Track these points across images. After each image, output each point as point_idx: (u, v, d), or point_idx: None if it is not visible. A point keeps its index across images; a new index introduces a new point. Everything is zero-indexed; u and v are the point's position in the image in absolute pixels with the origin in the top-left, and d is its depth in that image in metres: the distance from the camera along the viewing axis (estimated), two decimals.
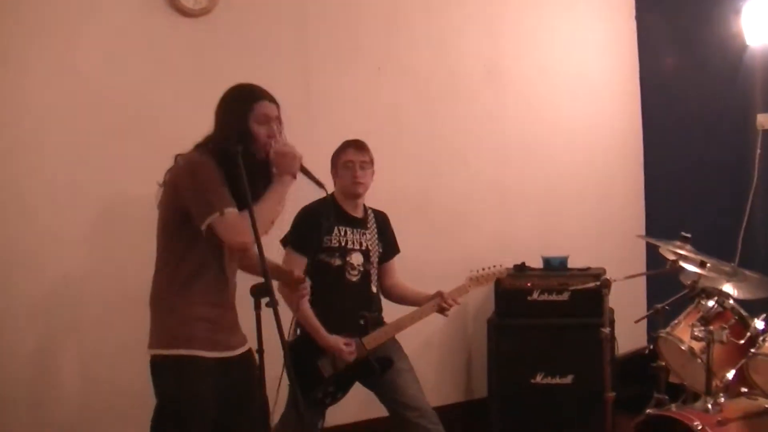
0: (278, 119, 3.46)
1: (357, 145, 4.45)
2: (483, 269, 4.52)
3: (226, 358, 3.38)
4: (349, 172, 4.40)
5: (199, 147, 3.38)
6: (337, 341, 4.25)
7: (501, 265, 4.59)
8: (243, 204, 3.19)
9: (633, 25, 6.60)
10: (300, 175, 3.46)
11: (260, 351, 3.31)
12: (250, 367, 3.47)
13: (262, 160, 3.40)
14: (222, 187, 3.23)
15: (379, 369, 4.31)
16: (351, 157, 4.41)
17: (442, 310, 4.43)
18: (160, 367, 3.33)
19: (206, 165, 3.27)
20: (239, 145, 3.24)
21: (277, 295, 3.23)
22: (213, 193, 3.21)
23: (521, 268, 5.73)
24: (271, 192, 3.34)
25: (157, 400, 3.34)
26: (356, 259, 4.41)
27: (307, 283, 3.81)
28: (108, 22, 4.87)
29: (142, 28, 4.96)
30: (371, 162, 4.48)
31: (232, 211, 3.19)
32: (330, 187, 3.45)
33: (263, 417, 3.46)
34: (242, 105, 3.40)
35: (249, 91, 3.48)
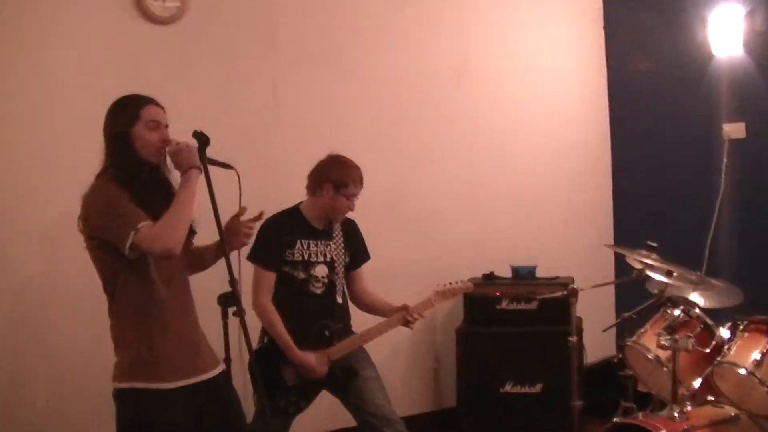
0: (166, 125, 3.35)
1: (362, 180, 4.39)
2: (450, 283, 4.51)
3: (192, 385, 3.30)
4: (346, 204, 4.36)
5: (98, 176, 3.29)
6: (309, 358, 4.23)
7: (468, 281, 4.61)
8: (156, 211, 3.16)
9: (601, 33, 6.63)
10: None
11: (227, 360, 3.30)
12: (226, 390, 3.42)
13: (155, 167, 3.32)
14: (128, 205, 3.15)
15: (344, 379, 4.29)
16: (356, 192, 4.37)
17: (407, 323, 4.41)
18: (119, 400, 3.26)
19: (104, 191, 3.21)
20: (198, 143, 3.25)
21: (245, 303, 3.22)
22: (120, 215, 3.12)
23: (490, 277, 5.76)
24: (181, 190, 3.23)
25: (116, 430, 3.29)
26: (320, 271, 4.39)
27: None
28: (77, 29, 4.87)
29: (111, 34, 4.96)
30: None
31: (144, 224, 3.10)
32: (234, 178, 3.35)
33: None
34: (128, 112, 3.30)
35: (133, 99, 3.36)
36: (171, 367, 3.24)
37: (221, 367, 3.44)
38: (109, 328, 3.32)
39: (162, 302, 3.26)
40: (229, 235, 3.45)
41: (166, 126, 3.34)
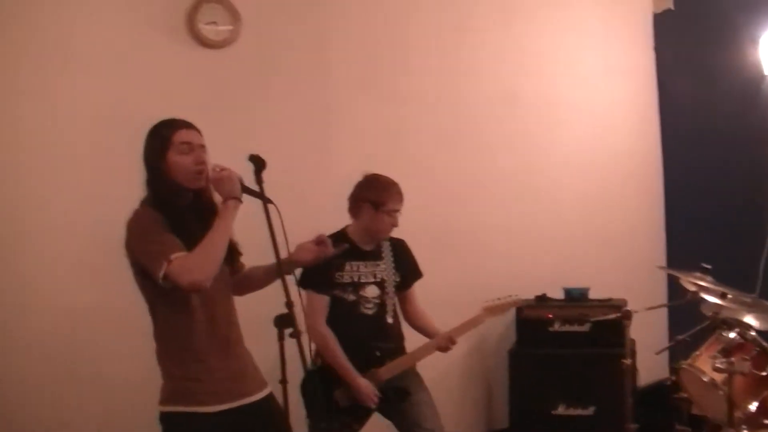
0: (202, 146, 3.28)
1: (401, 194, 4.39)
2: (498, 299, 4.50)
3: (235, 408, 3.27)
4: (390, 220, 4.37)
5: (142, 202, 3.27)
6: (368, 388, 4.25)
7: (516, 295, 4.58)
8: (196, 239, 3.11)
9: (652, 55, 6.61)
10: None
11: (283, 382, 3.30)
12: (272, 413, 3.40)
13: (198, 190, 3.29)
14: (162, 234, 3.11)
15: (395, 399, 4.30)
16: (398, 207, 4.38)
17: (440, 349, 4.40)
18: (163, 423, 3.26)
19: (144, 217, 3.19)
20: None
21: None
22: (154, 244, 3.09)
23: (542, 299, 5.75)
24: (217, 221, 3.16)
25: None
26: (371, 292, 4.41)
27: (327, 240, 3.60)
28: (129, 52, 4.95)
29: (164, 58, 5.05)
30: None
31: (177, 255, 3.05)
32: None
33: None
34: (160, 139, 3.24)
35: (163, 124, 3.30)
36: (212, 392, 3.23)
37: (267, 390, 3.43)
38: (155, 350, 3.33)
39: (201, 331, 3.24)
40: (302, 249, 3.51)
41: (202, 146, 3.28)
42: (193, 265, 3.05)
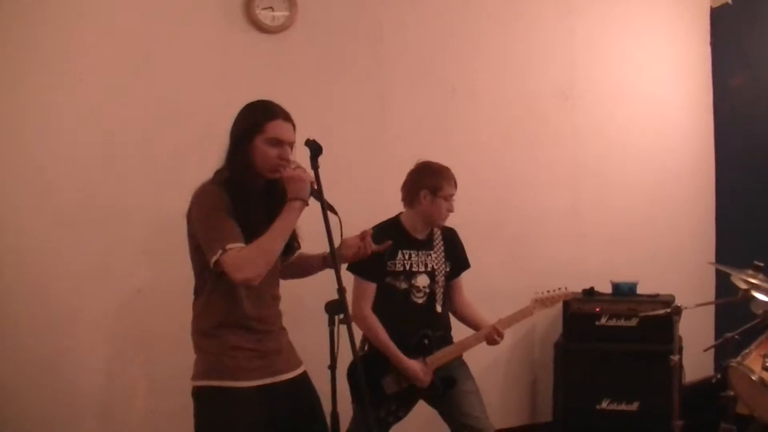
0: (291, 142, 3.28)
1: (455, 179, 4.39)
2: (548, 291, 4.49)
3: (268, 385, 3.30)
4: (446, 204, 4.37)
5: (216, 173, 3.28)
6: (416, 367, 4.27)
7: (566, 288, 4.56)
8: (256, 229, 3.11)
9: (707, 50, 6.55)
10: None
11: (333, 367, 3.31)
12: (305, 391, 3.43)
13: (274, 180, 3.27)
14: (225, 220, 3.10)
15: (442, 388, 4.32)
16: (453, 192, 4.38)
17: (488, 341, 4.40)
18: (197, 398, 3.29)
19: (211, 196, 3.17)
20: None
21: None
22: (215, 229, 3.09)
23: (590, 293, 5.71)
24: (278, 220, 3.12)
25: (194, 429, 3.31)
26: (422, 281, 4.42)
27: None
28: (187, 36, 5.00)
29: (221, 42, 5.09)
30: None
31: (233, 247, 3.04)
32: (346, 212, 3.28)
33: None
34: (254, 122, 3.24)
35: (264, 108, 3.29)
36: (247, 368, 3.26)
37: (301, 368, 3.47)
38: (191, 322, 3.36)
39: (243, 308, 3.27)
40: (344, 247, 3.50)
41: (291, 143, 3.27)
42: (245, 262, 3.04)
